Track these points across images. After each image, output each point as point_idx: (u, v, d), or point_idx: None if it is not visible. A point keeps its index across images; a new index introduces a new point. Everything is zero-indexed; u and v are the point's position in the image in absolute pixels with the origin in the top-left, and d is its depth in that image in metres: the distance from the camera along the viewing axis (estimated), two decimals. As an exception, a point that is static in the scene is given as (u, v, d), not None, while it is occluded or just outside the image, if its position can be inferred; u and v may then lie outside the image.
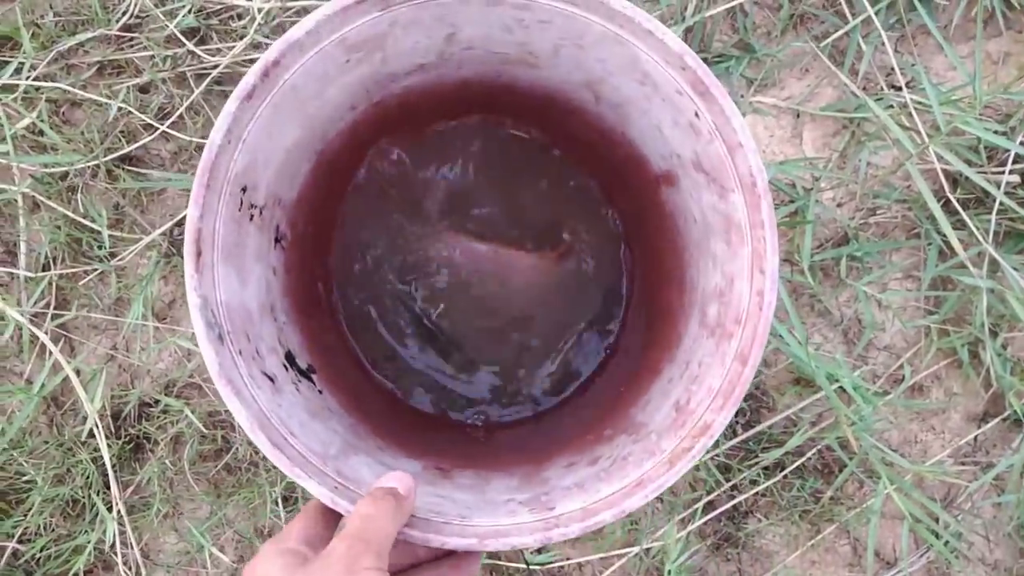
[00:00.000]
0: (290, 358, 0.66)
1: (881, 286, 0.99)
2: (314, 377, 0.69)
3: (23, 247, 0.97)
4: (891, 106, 0.97)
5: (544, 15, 0.58)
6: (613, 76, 0.63)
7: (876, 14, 0.95)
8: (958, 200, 0.93)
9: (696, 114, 0.57)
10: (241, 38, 0.94)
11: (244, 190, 0.58)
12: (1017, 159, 0.94)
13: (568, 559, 0.99)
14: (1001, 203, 0.92)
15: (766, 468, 0.97)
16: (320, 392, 0.68)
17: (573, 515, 0.54)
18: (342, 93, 0.65)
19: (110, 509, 0.95)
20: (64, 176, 0.96)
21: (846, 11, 0.98)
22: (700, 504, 0.96)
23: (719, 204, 0.60)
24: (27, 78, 0.95)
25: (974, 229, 0.93)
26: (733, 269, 0.59)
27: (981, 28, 0.96)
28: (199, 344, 0.52)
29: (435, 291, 0.88)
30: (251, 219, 0.61)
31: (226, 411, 0.96)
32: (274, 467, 0.95)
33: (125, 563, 0.96)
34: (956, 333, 0.98)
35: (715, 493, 0.97)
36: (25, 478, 0.96)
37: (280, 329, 0.66)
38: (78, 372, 0.95)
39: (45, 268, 0.97)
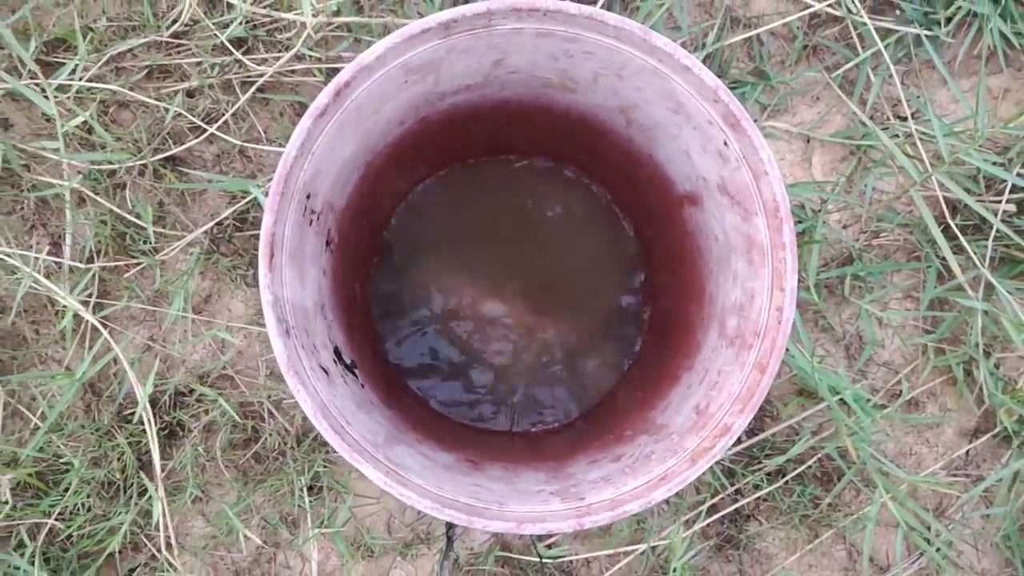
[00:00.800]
0: (338, 353, 0.71)
1: (882, 305, 1.05)
2: (357, 372, 0.74)
3: (69, 239, 1.01)
4: (896, 135, 1.03)
5: (589, 47, 0.63)
6: (647, 104, 0.68)
7: (885, 48, 1.01)
8: (957, 226, 0.99)
9: (725, 143, 0.62)
10: (287, 49, 0.99)
11: (308, 197, 0.63)
12: (1014, 189, 1.00)
13: (576, 555, 1.04)
14: (998, 230, 0.98)
15: (768, 474, 1.02)
16: (363, 386, 0.73)
17: (603, 504, 0.60)
18: (395, 110, 0.70)
19: (145, 491, 1.00)
20: (112, 174, 1.01)
21: (857, 44, 1.03)
22: (705, 506, 1.01)
23: (742, 225, 0.65)
24: (80, 79, 0.99)
25: (972, 254, 0.98)
26: (754, 286, 0.64)
27: (984, 66, 1.02)
28: (270, 338, 0.57)
29: (463, 306, 0.94)
30: (310, 224, 0.66)
31: (258, 401, 1.01)
32: (302, 457, 1.01)
33: (155, 545, 1.01)
34: (952, 352, 1.03)
35: (719, 496, 1.02)
36: (63, 460, 1.01)
37: (329, 327, 0.71)
38: (115, 361, 0.99)
39: (89, 261, 1.01)
